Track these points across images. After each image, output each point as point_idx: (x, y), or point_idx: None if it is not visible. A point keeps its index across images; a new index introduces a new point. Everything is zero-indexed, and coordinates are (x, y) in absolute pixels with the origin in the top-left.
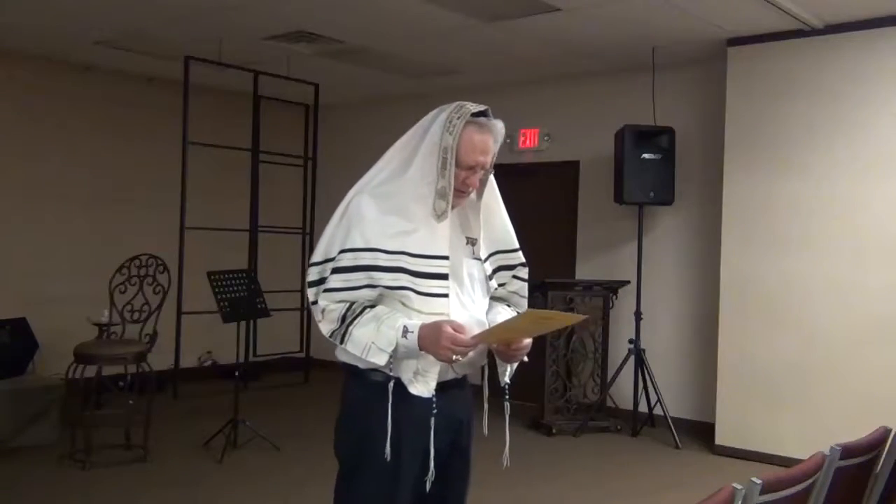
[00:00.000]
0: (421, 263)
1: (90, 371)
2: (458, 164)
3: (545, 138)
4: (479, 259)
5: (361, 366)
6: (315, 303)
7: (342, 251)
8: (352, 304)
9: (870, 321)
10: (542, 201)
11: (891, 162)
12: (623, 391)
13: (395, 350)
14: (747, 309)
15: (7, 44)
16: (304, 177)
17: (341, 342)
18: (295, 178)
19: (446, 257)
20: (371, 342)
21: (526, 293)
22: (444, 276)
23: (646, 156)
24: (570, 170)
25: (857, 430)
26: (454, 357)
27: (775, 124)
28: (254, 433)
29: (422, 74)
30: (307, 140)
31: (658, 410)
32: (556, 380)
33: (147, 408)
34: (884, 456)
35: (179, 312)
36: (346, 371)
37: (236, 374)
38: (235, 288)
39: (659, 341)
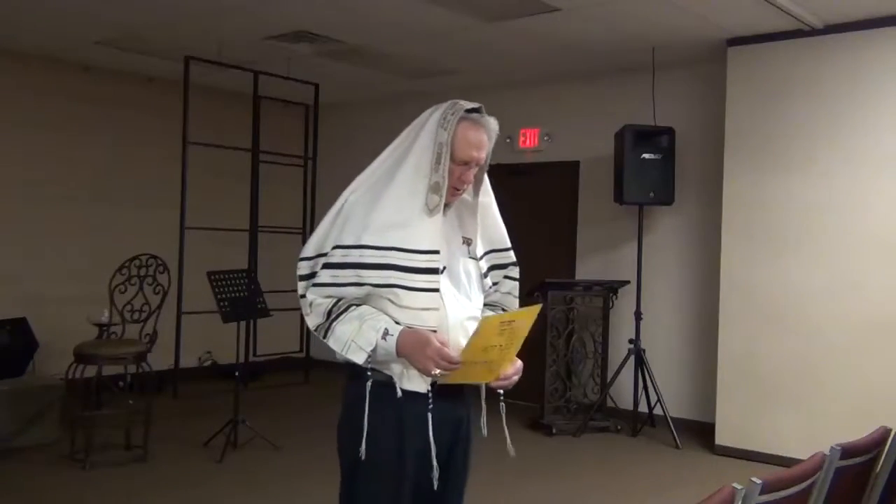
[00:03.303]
0: (411, 258)
1: (90, 371)
2: (452, 160)
3: (545, 138)
4: (475, 258)
5: (361, 364)
6: (304, 296)
7: (334, 247)
8: (339, 300)
9: (870, 321)
10: (542, 201)
11: (891, 162)
12: (623, 391)
13: (374, 350)
14: (747, 309)
15: (7, 44)
16: (304, 177)
17: (324, 337)
18: (295, 178)
19: (437, 252)
20: (351, 340)
21: (517, 293)
22: (434, 271)
23: (646, 156)
24: (570, 170)
25: (857, 430)
26: (436, 371)
27: (775, 124)
28: (254, 433)
29: (422, 74)
30: (307, 140)
31: (658, 410)
32: (556, 380)
33: (147, 408)
34: (884, 456)
35: (179, 312)
36: (346, 371)
37: (236, 374)
38: (235, 288)
39: (659, 341)
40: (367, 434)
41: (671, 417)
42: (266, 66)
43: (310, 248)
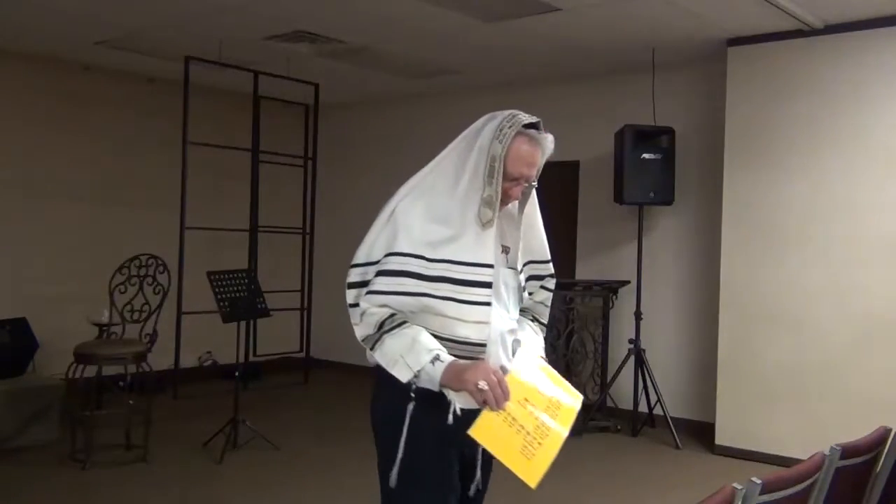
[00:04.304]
0: (465, 271)
1: (90, 371)
2: (503, 174)
3: None
4: (515, 269)
5: (404, 382)
6: (355, 305)
7: (389, 254)
8: (393, 313)
9: (870, 321)
10: (541, 201)
11: (891, 162)
12: (623, 391)
13: (420, 371)
14: (747, 309)
15: (7, 44)
16: (304, 177)
17: (372, 348)
18: (295, 178)
19: (491, 266)
20: (401, 356)
21: (549, 304)
22: (487, 285)
23: (646, 156)
24: (570, 170)
25: (857, 430)
26: (482, 384)
27: (775, 124)
28: (254, 433)
29: (422, 74)
30: (307, 140)
31: (658, 410)
32: None
33: (147, 408)
34: (884, 456)
35: (179, 312)
36: (381, 377)
37: (236, 374)
38: (235, 288)
39: (659, 341)
40: (409, 441)
41: (671, 417)
42: (266, 66)
43: (361, 255)
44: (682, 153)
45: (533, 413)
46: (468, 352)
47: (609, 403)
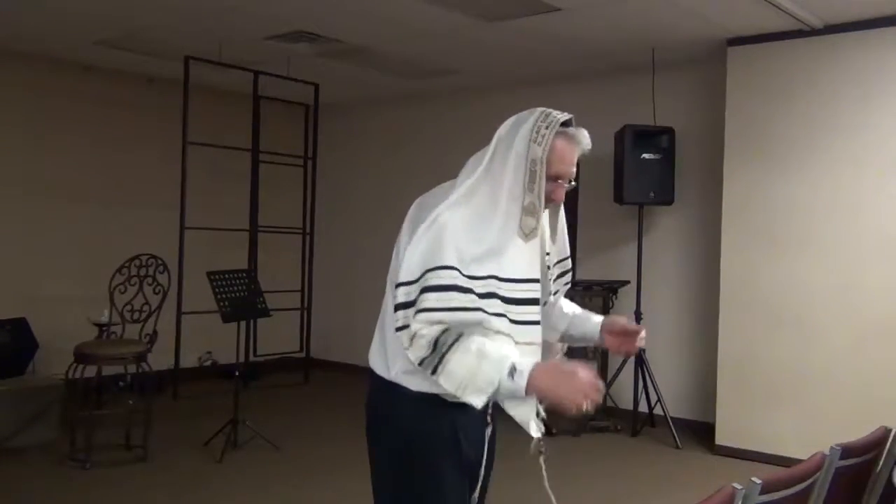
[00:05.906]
0: (511, 288)
1: (90, 371)
2: (546, 177)
3: None
4: (550, 278)
5: (478, 408)
6: (405, 327)
7: (437, 268)
8: (446, 328)
9: (870, 321)
10: None
11: (891, 162)
12: (623, 391)
13: (495, 391)
14: (747, 309)
15: (7, 44)
16: (304, 177)
17: (433, 372)
18: (295, 178)
19: (537, 280)
20: (469, 380)
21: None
22: (535, 302)
23: (646, 156)
24: None
25: (857, 430)
26: (587, 403)
27: (775, 124)
28: (254, 433)
29: (422, 74)
30: (307, 140)
31: (658, 410)
32: None
33: (147, 408)
34: (884, 456)
35: (179, 312)
36: (386, 384)
37: (236, 374)
38: (235, 288)
39: (659, 341)
40: (426, 443)
41: (671, 417)
42: (266, 66)
43: (404, 273)
44: (682, 153)
45: None
46: None
47: (609, 403)
